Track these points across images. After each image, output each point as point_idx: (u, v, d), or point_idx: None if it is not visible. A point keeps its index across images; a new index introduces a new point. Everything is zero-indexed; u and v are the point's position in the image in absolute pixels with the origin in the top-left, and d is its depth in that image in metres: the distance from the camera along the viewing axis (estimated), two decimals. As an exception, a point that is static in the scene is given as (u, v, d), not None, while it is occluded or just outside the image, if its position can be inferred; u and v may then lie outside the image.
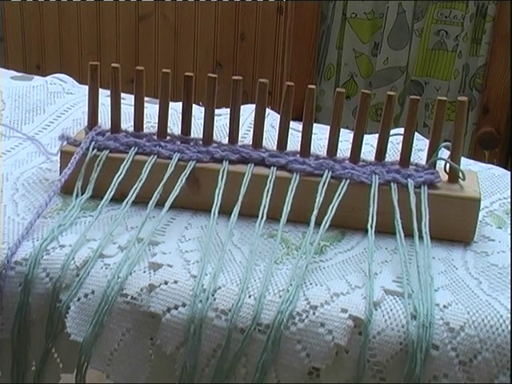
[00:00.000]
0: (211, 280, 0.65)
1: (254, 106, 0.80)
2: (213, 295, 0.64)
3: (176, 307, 0.64)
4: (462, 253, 0.74)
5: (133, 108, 0.82)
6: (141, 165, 0.78)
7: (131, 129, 0.83)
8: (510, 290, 0.67)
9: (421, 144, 0.91)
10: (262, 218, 0.72)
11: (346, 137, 0.86)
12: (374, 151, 0.80)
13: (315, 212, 0.72)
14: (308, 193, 0.75)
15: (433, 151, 0.78)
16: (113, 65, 0.79)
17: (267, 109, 0.83)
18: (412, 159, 0.79)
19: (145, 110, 0.82)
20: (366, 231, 0.72)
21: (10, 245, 0.69)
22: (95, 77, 0.80)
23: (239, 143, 0.81)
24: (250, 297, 0.64)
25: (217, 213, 0.73)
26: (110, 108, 0.82)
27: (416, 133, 0.80)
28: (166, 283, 0.65)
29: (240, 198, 0.74)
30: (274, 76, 2.25)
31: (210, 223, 0.72)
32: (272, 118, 0.94)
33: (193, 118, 0.82)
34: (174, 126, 0.89)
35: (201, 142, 0.81)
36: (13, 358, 0.68)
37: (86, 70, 0.79)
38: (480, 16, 1.92)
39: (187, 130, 0.82)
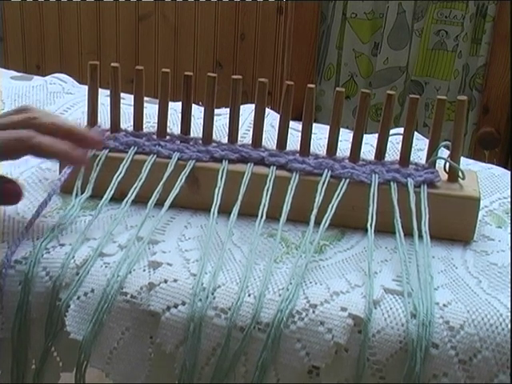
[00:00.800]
0: (211, 279, 0.65)
1: (253, 105, 0.80)
2: (212, 294, 0.64)
3: (176, 306, 0.64)
4: (461, 252, 0.74)
5: (132, 108, 0.82)
6: (140, 164, 0.78)
7: (131, 128, 0.83)
8: (509, 289, 0.67)
9: (420, 144, 0.91)
10: (261, 217, 0.72)
11: (346, 136, 0.86)
12: (374, 151, 0.80)
13: (315, 211, 0.72)
14: (308, 192, 0.75)
15: (432, 151, 0.78)
16: (112, 64, 0.79)
17: (267, 108, 0.83)
18: (412, 159, 0.79)
19: (144, 109, 0.83)
20: (366, 230, 0.72)
21: (10, 243, 0.69)
22: (95, 76, 0.80)
23: (239, 143, 0.81)
24: (249, 295, 0.64)
25: (216, 212, 0.73)
26: (109, 108, 0.82)
27: (416, 132, 0.80)
28: (165, 282, 0.65)
29: (240, 197, 0.74)
30: (274, 76, 2.25)
31: (209, 222, 0.72)
32: (272, 118, 0.94)
33: (192, 118, 0.82)
34: (174, 126, 0.89)
35: (200, 142, 0.81)
36: (13, 356, 0.68)
37: (85, 69, 0.79)
38: (480, 16, 1.92)
39: (187, 130, 0.82)
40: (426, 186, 0.76)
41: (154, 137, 0.82)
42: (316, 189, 0.75)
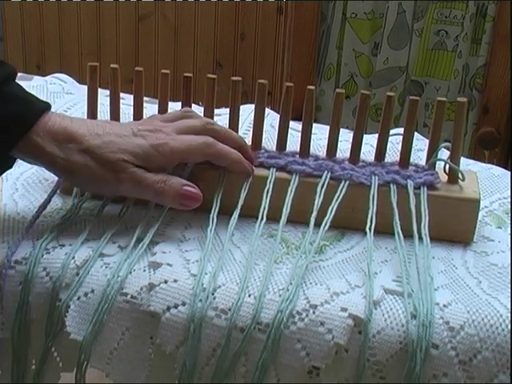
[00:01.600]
0: (211, 279, 0.65)
1: (253, 105, 0.80)
2: (212, 294, 0.64)
3: (176, 306, 0.64)
4: (461, 252, 0.74)
5: (132, 108, 0.82)
6: (141, 164, 0.78)
7: (131, 128, 0.83)
8: (509, 290, 0.67)
9: (420, 144, 0.91)
10: (261, 218, 0.72)
11: (346, 137, 0.86)
12: (374, 151, 0.80)
13: (314, 213, 0.72)
14: (307, 194, 0.75)
15: (432, 152, 0.78)
16: (112, 65, 0.79)
17: (267, 109, 0.83)
18: (412, 159, 0.79)
19: (144, 110, 0.83)
20: (366, 232, 0.72)
21: (10, 244, 0.69)
22: (94, 78, 0.80)
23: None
24: (249, 296, 0.64)
25: (216, 213, 0.73)
26: (109, 108, 0.82)
27: (416, 133, 0.80)
28: (165, 282, 0.65)
29: (240, 199, 0.74)
30: (274, 76, 2.25)
31: (209, 223, 0.72)
32: (272, 118, 0.94)
33: (193, 118, 0.82)
34: (174, 126, 0.89)
35: (201, 142, 0.81)
36: (13, 357, 0.68)
37: (85, 70, 0.79)
38: (480, 16, 1.92)
39: (187, 130, 0.82)
40: (425, 188, 0.76)
41: (154, 137, 0.81)
42: (316, 190, 0.75)
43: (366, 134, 0.80)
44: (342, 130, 0.80)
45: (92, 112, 0.82)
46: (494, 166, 0.94)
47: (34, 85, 1.04)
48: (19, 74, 1.12)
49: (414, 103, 0.76)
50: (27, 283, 0.67)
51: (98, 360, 0.66)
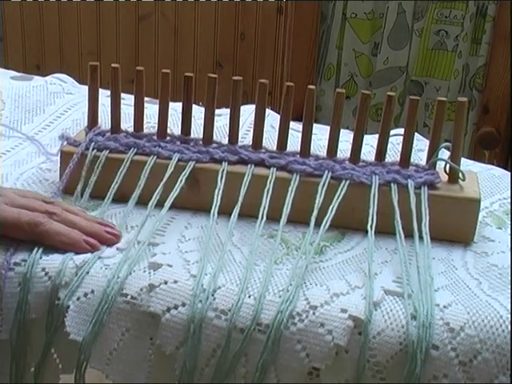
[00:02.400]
0: (211, 280, 0.65)
1: (254, 106, 0.80)
2: (212, 295, 0.64)
3: (176, 307, 0.64)
4: (461, 253, 0.74)
5: (133, 108, 0.82)
6: (141, 165, 0.78)
7: (131, 129, 0.83)
8: (509, 291, 0.67)
9: (421, 144, 0.91)
10: (261, 218, 0.72)
11: (346, 137, 0.86)
12: (374, 151, 0.80)
13: (315, 213, 0.72)
14: (308, 193, 0.75)
15: (433, 152, 0.78)
16: (113, 65, 0.79)
17: (267, 109, 0.83)
18: (412, 159, 0.79)
19: (145, 110, 0.82)
20: (366, 232, 0.72)
21: (10, 246, 0.69)
22: (95, 77, 0.80)
23: (239, 143, 0.81)
24: (249, 297, 0.64)
25: (216, 213, 0.73)
26: (109, 108, 0.82)
27: (416, 133, 0.80)
28: (165, 283, 0.65)
29: (240, 198, 0.74)
30: (274, 76, 2.25)
31: (209, 223, 0.72)
32: (272, 119, 0.94)
33: (193, 119, 0.82)
34: (174, 127, 0.89)
35: (201, 143, 0.81)
36: (11, 358, 0.68)
37: (85, 70, 0.79)
38: (480, 16, 1.92)
39: (187, 131, 0.82)
40: (426, 188, 0.76)
41: (155, 137, 0.81)
42: (316, 190, 0.75)
43: (366, 134, 0.80)
44: (342, 130, 0.80)
45: (93, 112, 0.82)
46: (494, 167, 0.94)
47: (34, 85, 1.04)
48: (19, 74, 1.12)
49: (414, 103, 0.76)
50: (26, 282, 0.66)
51: (98, 361, 0.66)
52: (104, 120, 0.86)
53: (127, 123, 0.86)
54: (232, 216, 0.73)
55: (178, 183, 0.76)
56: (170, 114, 0.82)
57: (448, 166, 0.78)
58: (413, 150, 0.79)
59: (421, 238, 0.71)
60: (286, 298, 0.64)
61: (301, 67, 2.04)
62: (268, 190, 0.75)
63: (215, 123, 0.81)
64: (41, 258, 0.68)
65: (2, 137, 0.92)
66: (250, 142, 0.81)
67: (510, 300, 0.65)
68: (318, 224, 0.71)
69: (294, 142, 0.82)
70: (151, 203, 0.74)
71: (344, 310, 0.63)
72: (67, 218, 0.71)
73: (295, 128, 0.86)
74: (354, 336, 0.62)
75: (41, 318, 0.67)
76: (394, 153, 0.88)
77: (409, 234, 0.71)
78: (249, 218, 0.75)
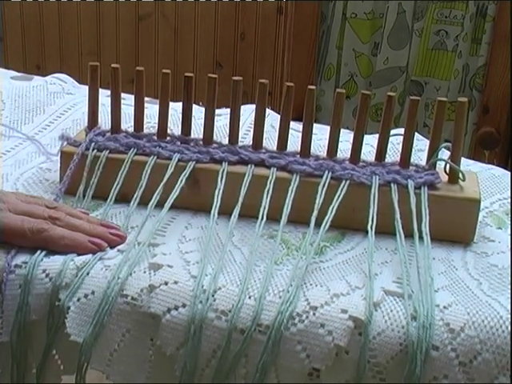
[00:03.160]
0: (211, 281, 0.65)
1: (254, 106, 0.80)
2: (213, 296, 0.64)
3: (176, 308, 0.64)
4: (462, 253, 0.74)
5: (133, 108, 0.82)
6: (141, 166, 0.78)
7: (131, 129, 0.83)
8: (509, 291, 0.67)
9: (421, 144, 0.91)
10: (262, 218, 0.72)
11: (346, 137, 0.86)
12: (374, 152, 0.80)
13: (315, 213, 0.72)
14: (308, 194, 0.75)
15: (433, 152, 0.78)
16: (113, 65, 0.79)
17: (267, 109, 0.83)
18: (412, 159, 0.79)
19: (145, 110, 0.82)
20: (366, 232, 0.72)
21: (11, 248, 0.69)
22: (95, 77, 0.80)
23: (239, 143, 0.81)
24: (250, 297, 0.64)
25: (216, 213, 0.73)
26: (110, 108, 0.82)
27: (416, 133, 0.80)
28: (166, 284, 0.65)
29: (240, 198, 0.74)
30: (274, 76, 2.25)
31: (209, 224, 0.72)
32: (272, 119, 0.94)
33: (193, 119, 0.82)
34: (174, 127, 0.89)
35: (201, 143, 0.81)
36: (12, 359, 0.68)
37: (86, 69, 0.79)
38: (480, 16, 1.92)
39: (187, 131, 0.82)
40: (426, 188, 0.76)
41: (155, 138, 0.81)
42: (316, 190, 0.75)
43: (366, 134, 0.80)
44: (342, 130, 0.80)
45: (93, 112, 0.82)
46: (494, 167, 0.94)
47: (34, 85, 1.04)
48: (19, 74, 1.12)
49: (415, 103, 0.76)
50: (26, 284, 0.66)
51: (98, 361, 0.66)
52: (104, 120, 0.87)
53: (127, 123, 0.86)
54: (232, 216, 0.73)
55: (178, 183, 0.76)
56: (170, 114, 0.83)
57: (448, 166, 0.78)
58: (413, 150, 0.79)
59: (421, 238, 0.71)
60: (286, 299, 0.64)
61: (301, 67, 2.04)
62: (268, 191, 0.75)
63: (215, 123, 0.81)
64: (41, 259, 0.68)
65: (2, 137, 0.92)
66: (250, 142, 0.81)
67: (510, 300, 0.65)
68: (318, 224, 0.71)
69: (294, 142, 0.82)
70: (151, 204, 0.74)
71: (344, 311, 0.63)
72: (70, 223, 0.71)
73: (295, 128, 0.86)
74: (354, 337, 0.62)
75: (41, 319, 0.67)
76: (393, 153, 0.88)
77: (409, 235, 0.71)
78: (249, 218, 0.75)
